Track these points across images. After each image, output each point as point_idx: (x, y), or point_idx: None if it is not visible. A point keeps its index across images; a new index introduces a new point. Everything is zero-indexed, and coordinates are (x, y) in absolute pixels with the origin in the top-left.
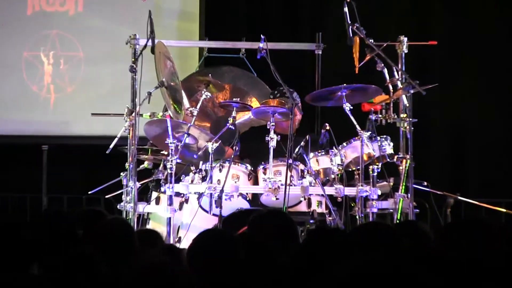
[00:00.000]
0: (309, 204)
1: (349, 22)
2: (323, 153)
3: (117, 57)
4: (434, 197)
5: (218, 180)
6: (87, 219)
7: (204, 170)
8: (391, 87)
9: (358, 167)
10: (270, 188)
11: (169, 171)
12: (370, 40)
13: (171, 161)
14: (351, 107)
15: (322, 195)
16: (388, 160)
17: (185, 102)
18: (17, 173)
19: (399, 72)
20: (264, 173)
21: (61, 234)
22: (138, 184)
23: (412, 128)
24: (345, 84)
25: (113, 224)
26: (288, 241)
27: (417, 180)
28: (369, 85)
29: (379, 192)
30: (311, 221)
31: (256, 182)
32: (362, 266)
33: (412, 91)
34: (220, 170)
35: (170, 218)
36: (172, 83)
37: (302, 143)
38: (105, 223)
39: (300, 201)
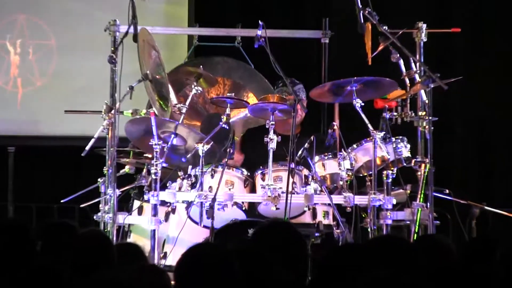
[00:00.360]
0: (314, 215)
1: (360, 7)
2: (330, 156)
3: (95, 46)
4: (457, 207)
5: (210, 187)
6: (51, 233)
7: (193, 176)
8: (408, 81)
9: (370, 173)
10: (269, 196)
11: (153, 176)
12: (384, 27)
13: (156, 165)
14: (362, 104)
15: (329, 204)
16: (405, 164)
17: (172, 97)
18: None
19: (417, 64)
20: (263, 179)
21: (17, 248)
22: (118, 192)
23: (432, 127)
24: (355, 78)
25: (89, 237)
26: (295, 259)
27: (437, 187)
28: (383, 78)
29: (394, 201)
30: (316, 234)
31: (253, 190)
32: (374, 286)
33: (432, 86)
34: (212, 176)
35: (154, 230)
36: (157, 76)
37: (306, 145)
38: (80, 236)
39: (304, 212)
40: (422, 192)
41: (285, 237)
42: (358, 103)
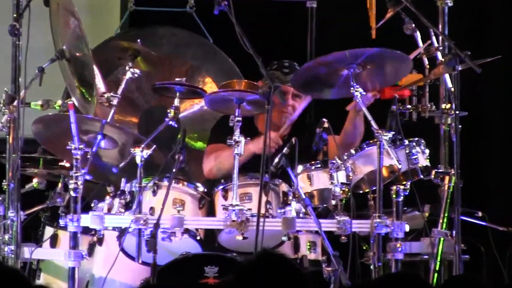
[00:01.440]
0: (296, 247)
1: None
2: (319, 165)
3: None
4: (493, 236)
5: (151, 208)
6: None
7: (128, 193)
8: (426, 61)
9: (374, 188)
10: (233, 221)
11: (72, 194)
12: None
13: (76, 178)
14: (364, 93)
15: (317, 232)
16: (422, 177)
17: (99, 84)
18: None
19: (440, 38)
20: (225, 198)
21: None
22: (22, 215)
23: (460, 126)
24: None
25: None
26: None
27: (467, 208)
28: (392, 49)
29: (407, 228)
30: None
31: (211, 212)
32: None
33: (460, 68)
34: (155, 193)
35: (73, 268)
36: (77, 54)
37: (285, 150)
38: None
39: (282, 242)
40: (446, 215)
41: (285, 278)
42: (357, 91)
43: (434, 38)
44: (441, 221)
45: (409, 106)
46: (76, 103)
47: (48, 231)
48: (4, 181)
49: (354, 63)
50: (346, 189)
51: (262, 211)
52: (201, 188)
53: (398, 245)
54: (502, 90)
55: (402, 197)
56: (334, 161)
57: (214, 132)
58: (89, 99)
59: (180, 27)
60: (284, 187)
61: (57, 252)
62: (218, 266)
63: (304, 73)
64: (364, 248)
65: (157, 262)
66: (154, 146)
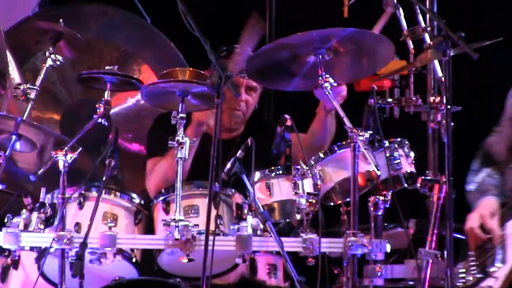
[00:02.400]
0: (252, 271)
1: None
2: (280, 172)
3: None
4: None
5: (77, 224)
6: None
7: (49, 205)
8: (411, 45)
9: (348, 200)
10: (176, 239)
11: None
12: None
13: None
14: (335, 84)
15: (278, 253)
16: (406, 186)
17: (13, 73)
18: None
19: (428, 16)
20: (166, 211)
21: None
22: None
23: (452, 124)
24: (315, 30)
25: None
26: None
27: (461, 224)
28: (366, 30)
29: (389, 248)
30: None
31: (150, 228)
32: None
33: (452, 53)
34: (81, 206)
35: None
36: None
37: (239, 153)
38: None
39: (236, 265)
40: (435, 232)
41: None
42: (327, 82)
43: (420, 16)
44: (429, 239)
45: (390, 100)
46: None
47: None
48: None
49: (323, 47)
50: (314, 201)
51: (212, 227)
52: (137, 200)
53: (378, 269)
54: (503, 80)
55: (382, 211)
56: (299, 167)
57: (151, 137)
58: (1, 92)
59: (112, 5)
60: (238, 198)
61: None
62: None
63: (261, 58)
64: (336, 272)
65: None
66: (80, 148)
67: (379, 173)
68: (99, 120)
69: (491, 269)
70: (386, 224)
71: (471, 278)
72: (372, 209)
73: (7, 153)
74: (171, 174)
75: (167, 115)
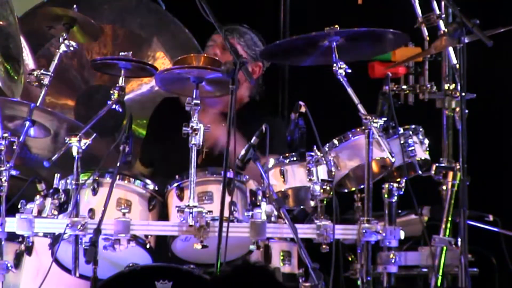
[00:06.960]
0: (266, 258)
1: None
2: (294, 158)
3: None
4: (507, 245)
5: (91, 210)
6: None
7: (63, 191)
8: (426, 32)
9: (362, 187)
10: (190, 226)
11: None
12: None
13: (0, 173)
14: (349, 70)
15: (292, 239)
16: (420, 173)
17: (28, 59)
18: None
19: (443, 3)
20: (180, 198)
21: None
22: None
23: (467, 111)
24: (334, 28)
25: None
26: None
27: (475, 211)
28: (384, 29)
29: (403, 235)
30: None
31: (164, 215)
32: None
33: (467, 40)
34: (95, 192)
35: None
36: (1, 23)
37: (254, 140)
38: None
39: (250, 252)
40: (449, 219)
41: None
42: (341, 68)
43: (435, 3)
44: (443, 226)
45: (404, 87)
46: None
47: None
48: None
49: (338, 37)
50: (328, 188)
51: (226, 214)
52: (151, 186)
53: (391, 256)
54: None
55: (396, 198)
56: (313, 154)
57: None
58: (15, 77)
59: None
60: (252, 184)
61: None
62: (172, 280)
63: (276, 48)
64: (350, 259)
65: (98, 276)
66: (94, 134)
67: (393, 160)
68: (113, 106)
69: None
70: (400, 211)
71: None
72: (386, 196)
73: (21, 139)
74: None
75: (164, 105)
